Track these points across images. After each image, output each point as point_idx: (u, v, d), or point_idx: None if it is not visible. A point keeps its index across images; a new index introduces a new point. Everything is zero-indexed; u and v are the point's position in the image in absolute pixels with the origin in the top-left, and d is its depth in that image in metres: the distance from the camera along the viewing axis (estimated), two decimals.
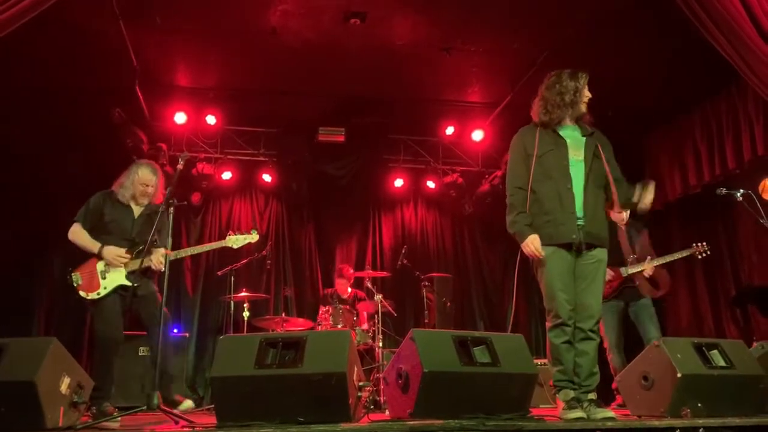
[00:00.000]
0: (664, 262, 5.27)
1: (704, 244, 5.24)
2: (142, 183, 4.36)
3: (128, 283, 4.14)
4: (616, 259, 5.36)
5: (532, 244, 3.37)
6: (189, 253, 4.62)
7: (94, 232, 4.27)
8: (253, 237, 4.64)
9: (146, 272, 4.27)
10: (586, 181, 3.43)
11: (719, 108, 6.34)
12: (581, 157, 3.49)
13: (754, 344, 4.35)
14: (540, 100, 3.58)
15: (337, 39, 5.84)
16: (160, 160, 7.02)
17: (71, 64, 5.99)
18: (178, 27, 5.67)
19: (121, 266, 4.17)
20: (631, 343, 5.31)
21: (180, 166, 3.88)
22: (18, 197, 6.64)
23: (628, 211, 5.42)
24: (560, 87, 3.51)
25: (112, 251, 4.17)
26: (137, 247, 4.22)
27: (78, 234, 4.25)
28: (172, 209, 3.71)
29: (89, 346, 6.85)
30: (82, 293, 4.12)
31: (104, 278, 4.14)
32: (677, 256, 5.28)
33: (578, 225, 3.37)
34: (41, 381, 2.76)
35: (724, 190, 4.44)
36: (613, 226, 5.36)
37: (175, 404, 4.08)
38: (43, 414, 2.75)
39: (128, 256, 4.20)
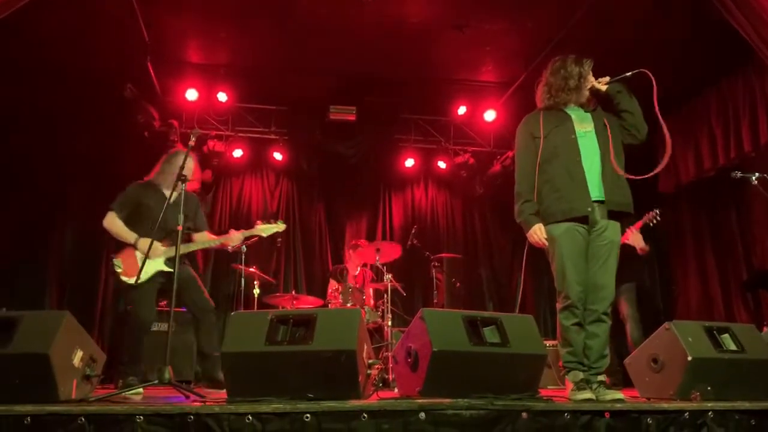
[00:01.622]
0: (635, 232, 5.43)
1: (656, 211, 5.34)
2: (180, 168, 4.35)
3: (166, 269, 4.29)
4: None
5: (536, 234, 3.40)
6: (237, 241, 4.70)
7: (131, 220, 4.34)
8: (280, 226, 4.82)
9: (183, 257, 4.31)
10: (603, 151, 3.41)
11: (736, 89, 6.24)
12: (590, 128, 3.48)
13: (765, 329, 4.35)
14: (544, 86, 3.60)
15: (349, 16, 5.78)
16: (171, 137, 7.04)
17: (82, 41, 5.96)
18: (190, 2, 5.63)
19: (156, 257, 4.23)
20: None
21: (191, 143, 3.90)
22: (29, 173, 6.68)
23: None
24: (565, 72, 3.50)
25: (146, 246, 4.13)
26: (172, 234, 4.21)
27: (113, 223, 4.30)
28: (184, 185, 3.74)
29: (101, 320, 6.95)
30: (124, 278, 4.22)
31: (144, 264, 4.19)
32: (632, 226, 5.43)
33: (594, 198, 3.34)
34: (55, 354, 2.79)
35: (739, 174, 4.40)
36: None
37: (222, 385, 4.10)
38: (56, 386, 2.78)
39: (163, 247, 4.26)
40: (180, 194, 3.81)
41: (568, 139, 3.43)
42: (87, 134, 6.98)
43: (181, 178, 3.76)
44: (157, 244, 4.16)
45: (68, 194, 7.09)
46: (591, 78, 3.52)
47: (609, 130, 3.47)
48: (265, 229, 4.76)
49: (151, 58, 6.35)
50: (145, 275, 4.18)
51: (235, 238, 4.59)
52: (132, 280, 4.16)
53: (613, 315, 5.43)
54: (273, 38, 6.27)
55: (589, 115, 3.53)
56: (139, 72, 6.46)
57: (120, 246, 4.32)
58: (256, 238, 5.84)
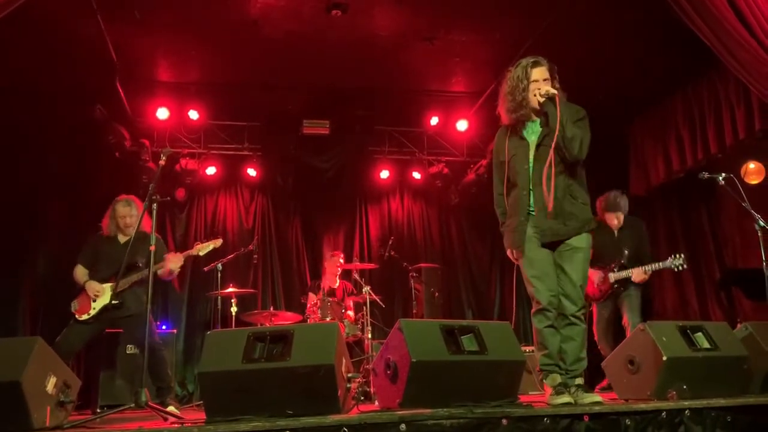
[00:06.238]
0: (648, 270, 5.35)
1: (681, 255, 5.26)
2: (120, 217, 4.91)
3: (113, 302, 4.68)
4: (605, 261, 5.45)
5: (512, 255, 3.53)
6: (177, 264, 4.99)
7: (93, 266, 4.87)
8: (218, 242, 5.25)
9: (132, 289, 4.76)
10: (548, 177, 3.34)
11: (701, 92, 6.37)
12: (533, 153, 3.45)
13: (738, 326, 4.41)
14: (501, 101, 3.58)
15: (319, 31, 5.80)
16: (143, 156, 6.98)
17: (50, 63, 5.91)
18: (158, 21, 5.60)
19: (101, 295, 4.71)
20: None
21: (162, 162, 3.89)
22: (0, 196, 6.56)
23: (621, 217, 5.52)
24: (509, 87, 3.48)
25: (91, 287, 4.72)
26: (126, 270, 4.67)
27: (76, 272, 4.89)
28: (155, 205, 3.72)
29: None
30: (77, 316, 4.68)
31: (94, 301, 4.71)
32: (656, 267, 5.36)
33: (534, 228, 3.40)
34: (27, 381, 2.74)
35: (706, 175, 4.49)
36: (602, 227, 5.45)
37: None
38: (29, 414, 2.73)
39: (102, 289, 4.71)
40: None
41: (522, 170, 3.46)
42: (58, 156, 6.88)
43: (152, 199, 3.80)
44: (96, 284, 4.71)
45: (40, 216, 6.97)
46: (537, 86, 3.43)
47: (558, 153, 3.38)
48: (202, 248, 5.17)
49: (120, 77, 6.30)
50: (93, 310, 4.67)
51: (175, 259, 4.88)
52: (83, 317, 4.66)
53: (617, 321, 5.51)
54: (243, 54, 6.27)
55: (540, 131, 3.47)
56: (108, 92, 6.40)
57: (79, 290, 4.82)
58: (226, 259, 5.89)
